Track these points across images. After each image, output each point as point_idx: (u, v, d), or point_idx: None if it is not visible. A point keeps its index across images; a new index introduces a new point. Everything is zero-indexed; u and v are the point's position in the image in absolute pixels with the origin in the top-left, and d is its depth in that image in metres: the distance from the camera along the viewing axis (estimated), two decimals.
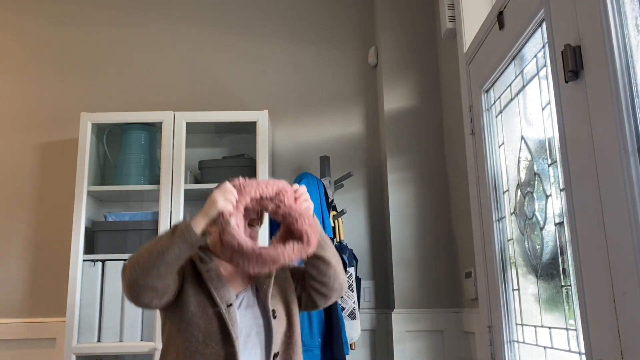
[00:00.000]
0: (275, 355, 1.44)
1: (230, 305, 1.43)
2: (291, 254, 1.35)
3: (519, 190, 1.80)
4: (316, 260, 1.47)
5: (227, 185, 1.40)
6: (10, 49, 2.99)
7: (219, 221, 1.36)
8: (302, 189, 1.47)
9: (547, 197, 1.58)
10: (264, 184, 1.42)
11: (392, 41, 2.78)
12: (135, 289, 1.33)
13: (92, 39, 3.02)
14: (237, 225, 1.36)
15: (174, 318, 1.44)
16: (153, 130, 2.73)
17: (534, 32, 1.63)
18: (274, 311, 1.47)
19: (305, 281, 1.53)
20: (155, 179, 2.64)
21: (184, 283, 1.46)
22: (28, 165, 2.85)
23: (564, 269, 1.49)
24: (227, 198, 1.37)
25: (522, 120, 1.77)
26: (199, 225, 1.35)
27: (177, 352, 1.41)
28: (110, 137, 2.77)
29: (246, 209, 1.43)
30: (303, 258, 1.41)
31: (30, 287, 2.71)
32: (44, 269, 2.73)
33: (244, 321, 1.45)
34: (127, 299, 1.38)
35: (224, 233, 1.35)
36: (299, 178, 2.53)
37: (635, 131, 1.11)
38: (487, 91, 2.03)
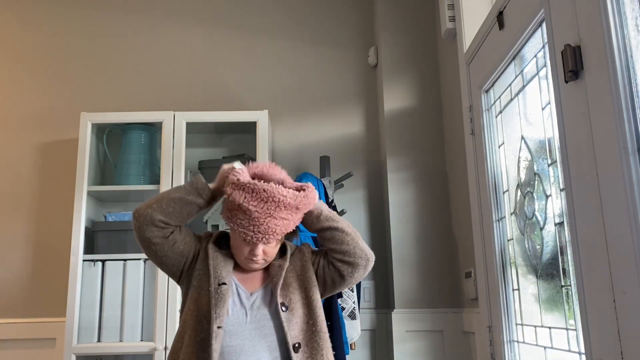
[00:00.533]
0: (297, 346, 1.43)
1: (223, 284, 1.44)
2: (286, 192, 1.40)
3: (519, 190, 1.80)
4: (330, 232, 1.51)
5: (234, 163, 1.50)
6: (11, 49, 2.99)
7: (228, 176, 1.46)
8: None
9: (547, 197, 1.58)
10: (271, 167, 1.50)
11: (392, 41, 2.78)
12: (139, 219, 1.46)
13: (92, 39, 3.02)
14: (242, 170, 1.45)
15: (184, 292, 1.52)
16: (153, 130, 2.73)
17: (534, 32, 1.63)
18: (282, 304, 1.46)
19: (327, 259, 1.53)
20: (155, 179, 2.64)
21: (197, 258, 1.51)
22: (28, 165, 2.85)
23: (564, 269, 1.49)
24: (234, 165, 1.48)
25: (522, 120, 1.77)
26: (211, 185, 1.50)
27: (182, 327, 1.46)
28: (110, 137, 2.77)
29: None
30: (298, 204, 1.43)
31: (30, 287, 2.71)
32: (44, 269, 2.73)
33: (254, 317, 1.45)
34: (135, 234, 1.49)
35: (229, 173, 1.44)
36: (299, 178, 2.53)
37: (635, 131, 1.11)
38: (487, 91, 2.03)
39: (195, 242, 1.54)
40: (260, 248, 1.45)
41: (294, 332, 1.44)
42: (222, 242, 1.56)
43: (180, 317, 1.51)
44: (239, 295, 1.49)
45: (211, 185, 1.51)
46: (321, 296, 1.55)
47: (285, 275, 1.51)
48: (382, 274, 2.75)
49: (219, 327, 1.39)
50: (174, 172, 2.53)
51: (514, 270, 1.86)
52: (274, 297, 1.47)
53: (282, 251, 1.58)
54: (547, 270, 1.60)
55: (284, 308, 1.45)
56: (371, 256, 1.54)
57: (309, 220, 1.54)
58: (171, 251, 1.49)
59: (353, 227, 1.56)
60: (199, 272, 1.49)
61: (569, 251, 1.43)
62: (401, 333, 2.43)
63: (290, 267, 1.54)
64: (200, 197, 1.49)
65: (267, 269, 1.54)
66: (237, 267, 1.53)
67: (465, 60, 2.20)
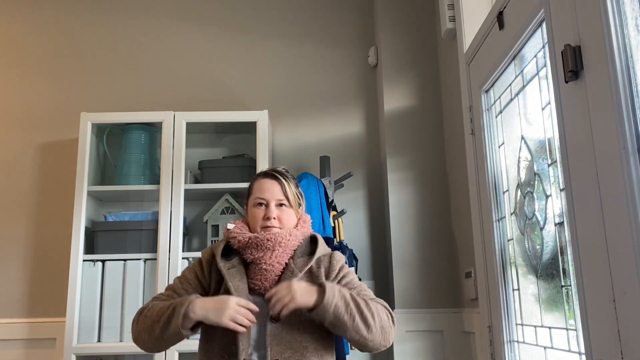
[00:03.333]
0: None
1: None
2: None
3: (519, 190, 1.80)
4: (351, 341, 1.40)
5: (244, 310, 1.36)
6: (11, 49, 2.99)
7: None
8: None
9: (547, 197, 1.58)
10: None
11: (392, 41, 2.78)
12: (144, 349, 1.45)
13: (92, 39, 3.02)
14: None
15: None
16: (153, 130, 2.73)
17: (534, 32, 1.63)
18: (277, 315, 1.37)
19: None
20: (155, 179, 2.64)
21: (211, 281, 1.49)
22: (28, 165, 2.85)
23: (564, 269, 1.49)
24: (236, 317, 1.34)
25: (522, 120, 1.77)
26: (196, 317, 1.34)
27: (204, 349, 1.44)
28: (110, 137, 2.77)
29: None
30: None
31: (30, 287, 2.71)
32: (44, 269, 2.73)
33: (259, 322, 1.39)
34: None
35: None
36: (299, 178, 2.53)
37: (635, 131, 1.10)
38: (487, 91, 2.03)
39: (197, 279, 1.50)
40: (273, 209, 1.49)
41: (280, 347, 1.37)
42: (224, 253, 1.51)
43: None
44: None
45: (190, 323, 1.36)
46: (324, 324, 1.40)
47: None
48: (382, 274, 2.75)
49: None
50: (174, 172, 2.53)
51: (514, 270, 1.86)
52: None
53: (314, 246, 1.52)
54: (547, 270, 1.60)
55: (274, 319, 1.38)
56: (387, 345, 1.41)
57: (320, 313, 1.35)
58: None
59: (374, 308, 1.38)
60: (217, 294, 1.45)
61: (569, 251, 1.43)
62: (401, 333, 2.43)
63: (308, 274, 1.47)
64: (189, 330, 1.38)
65: (285, 266, 1.47)
66: (252, 268, 1.47)
67: (465, 60, 2.20)
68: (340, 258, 1.55)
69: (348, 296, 1.36)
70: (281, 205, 1.53)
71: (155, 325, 1.37)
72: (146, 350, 1.45)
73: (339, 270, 1.51)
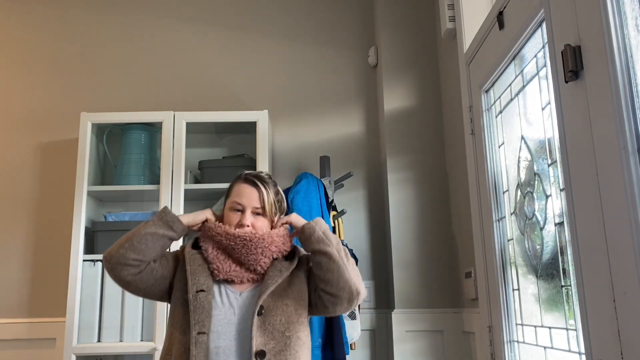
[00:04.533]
0: (260, 354, 1.37)
1: (201, 291, 1.43)
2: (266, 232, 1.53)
3: (519, 190, 1.80)
4: (318, 256, 1.47)
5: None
6: (10, 49, 2.99)
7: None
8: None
9: (547, 197, 1.58)
10: None
11: (392, 41, 2.78)
12: (111, 261, 1.45)
13: (92, 40, 3.02)
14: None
15: (170, 303, 1.52)
16: (153, 130, 2.73)
17: (534, 32, 1.63)
18: (262, 307, 1.42)
19: (316, 282, 1.51)
20: (155, 179, 2.64)
21: (177, 269, 1.53)
22: (28, 165, 2.85)
23: (564, 269, 1.49)
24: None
25: (522, 120, 1.77)
26: (182, 217, 1.53)
27: (168, 340, 1.46)
28: (110, 137, 2.77)
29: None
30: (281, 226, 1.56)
31: (30, 287, 2.71)
32: (44, 269, 2.73)
33: (242, 316, 1.43)
34: (111, 276, 1.49)
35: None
36: (299, 178, 2.53)
37: (635, 131, 1.10)
38: (487, 91, 2.03)
39: (173, 260, 1.55)
40: (248, 216, 1.53)
41: (263, 339, 1.40)
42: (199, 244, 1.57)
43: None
44: (227, 294, 1.47)
45: (183, 220, 1.53)
46: (309, 314, 1.53)
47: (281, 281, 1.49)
48: (382, 273, 2.75)
49: (199, 333, 1.37)
50: (174, 172, 2.53)
51: (514, 270, 1.86)
52: (258, 299, 1.44)
53: (292, 254, 1.57)
54: (547, 270, 1.60)
55: (259, 312, 1.42)
56: (358, 292, 1.46)
57: (302, 239, 1.52)
58: (152, 279, 1.49)
59: (350, 259, 1.50)
60: (177, 282, 1.50)
61: (569, 251, 1.43)
62: (401, 333, 2.43)
63: (288, 275, 1.51)
64: (172, 230, 1.50)
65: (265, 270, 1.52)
66: (233, 263, 1.51)
67: (465, 60, 2.20)
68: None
69: (331, 235, 1.51)
70: (257, 214, 1.55)
71: (134, 234, 1.47)
72: (113, 259, 1.45)
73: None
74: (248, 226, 1.51)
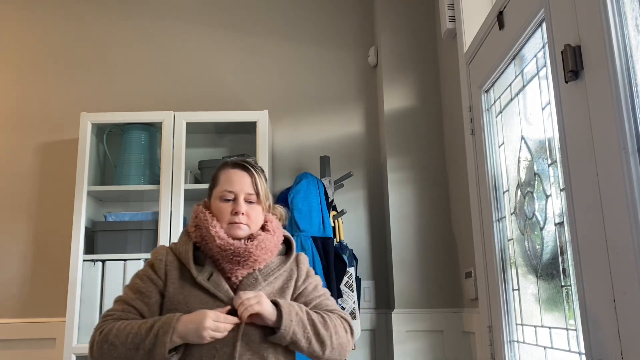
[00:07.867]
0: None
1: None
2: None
3: (519, 190, 1.80)
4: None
5: (219, 324, 1.29)
6: (11, 49, 2.99)
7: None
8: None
9: (547, 197, 1.58)
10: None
11: (392, 41, 2.78)
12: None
13: (92, 39, 3.02)
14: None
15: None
16: (153, 130, 2.73)
17: (534, 32, 1.63)
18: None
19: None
20: (155, 179, 2.64)
21: (167, 282, 1.38)
22: (28, 165, 2.85)
23: (564, 269, 1.49)
24: (215, 335, 1.28)
25: (522, 120, 1.77)
26: (174, 341, 1.27)
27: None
28: (110, 137, 2.77)
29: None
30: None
31: (30, 287, 2.71)
32: (44, 269, 2.73)
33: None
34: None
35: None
36: (299, 178, 2.53)
37: (635, 131, 1.11)
38: (487, 91, 2.03)
39: (157, 283, 1.39)
40: (242, 203, 1.39)
41: (243, 348, 1.31)
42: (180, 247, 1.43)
43: None
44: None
45: (169, 346, 1.26)
46: None
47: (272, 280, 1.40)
48: (382, 273, 2.75)
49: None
50: (174, 172, 2.53)
51: (514, 270, 1.86)
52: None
53: (288, 248, 1.49)
54: (547, 270, 1.60)
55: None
56: (346, 354, 1.39)
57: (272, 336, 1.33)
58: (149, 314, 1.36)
59: (339, 327, 1.37)
60: (167, 296, 1.37)
61: (569, 251, 1.43)
62: (401, 333, 2.43)
63: (277, 274, 1.43)
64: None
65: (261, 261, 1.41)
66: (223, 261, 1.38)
67: (465, 60, 2.20)
68: (305, 260, 1.50)
69: (305, 319, 1.33)
70: (250, 202, 1.42)
71: (132, 353, 1.26)
72: None
73: (306, 276, 1.47)
74: (243, 214, 1.39)
